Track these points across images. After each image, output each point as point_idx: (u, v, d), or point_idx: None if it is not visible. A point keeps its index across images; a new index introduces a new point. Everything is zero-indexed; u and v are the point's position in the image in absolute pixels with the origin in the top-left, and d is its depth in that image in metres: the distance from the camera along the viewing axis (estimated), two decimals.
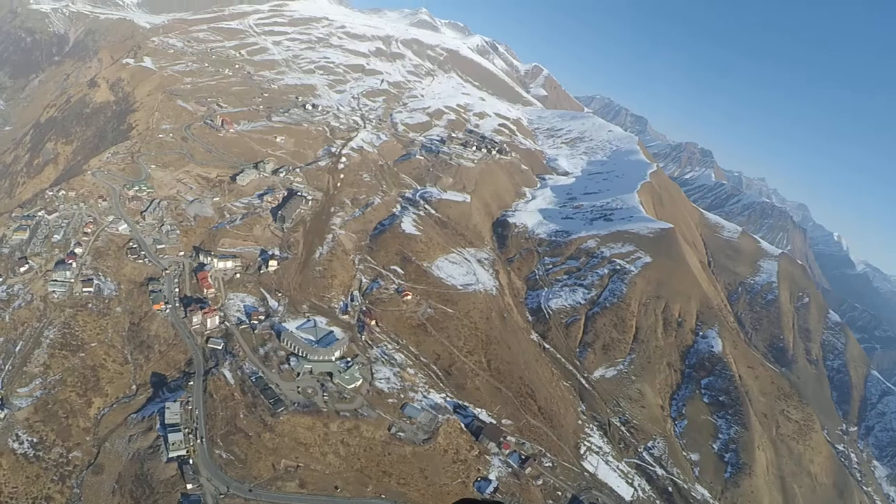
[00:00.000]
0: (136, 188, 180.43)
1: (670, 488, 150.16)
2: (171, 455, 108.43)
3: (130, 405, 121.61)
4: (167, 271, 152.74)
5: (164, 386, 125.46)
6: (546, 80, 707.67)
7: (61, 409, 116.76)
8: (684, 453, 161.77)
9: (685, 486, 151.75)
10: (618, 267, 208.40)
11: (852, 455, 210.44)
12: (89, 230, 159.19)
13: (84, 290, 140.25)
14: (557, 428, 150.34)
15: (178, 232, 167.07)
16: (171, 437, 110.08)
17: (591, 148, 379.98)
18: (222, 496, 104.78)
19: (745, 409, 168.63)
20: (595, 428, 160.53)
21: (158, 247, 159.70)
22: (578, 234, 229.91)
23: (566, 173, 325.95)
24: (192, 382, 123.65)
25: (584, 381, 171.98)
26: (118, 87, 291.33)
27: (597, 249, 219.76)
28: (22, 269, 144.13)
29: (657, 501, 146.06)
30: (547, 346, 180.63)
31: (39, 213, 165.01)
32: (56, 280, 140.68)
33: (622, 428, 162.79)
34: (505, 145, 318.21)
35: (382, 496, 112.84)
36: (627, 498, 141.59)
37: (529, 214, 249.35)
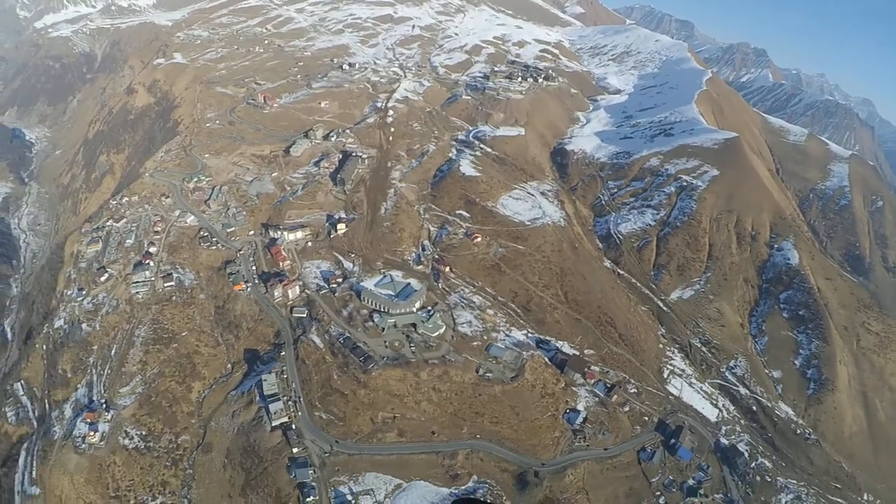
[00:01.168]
0: (196, 180, 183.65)
1: (754, 407, 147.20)
2: (274, 424, 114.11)
3: (229, 383, 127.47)
4: (241, 252, 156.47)
5: (257, 360, 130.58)
6: None
7: (164, 399, 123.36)
8: (766, 371, 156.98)
9: (769, 405, 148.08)
10: (684, 183, 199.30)
11: None
12: (159, 228, 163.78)
13: (165, 285, 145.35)
14: (639, 353, 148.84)
15: (244, 213, 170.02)
16: (272, 407, 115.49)
17: (640, 61, 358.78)
18: (327, 455, 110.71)
19: (825, 323, 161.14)
20: (676, 351, 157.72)
21: (228, 231, 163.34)
22: (640, 154, 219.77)
23: (618, 91, 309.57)
24: (283, 353, 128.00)
25: (661, 304, 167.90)
26: (155, 88, 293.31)
27: (661, 167, 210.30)
28: (102, 279, 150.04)
29: (742, 421, 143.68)
30: (621, 272, 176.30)
31: (108, 223, 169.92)
32: (137, 281, 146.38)
33: (703, 349, 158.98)
34: (550, 71, 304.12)
35: (477, 436, 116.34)
36: (713, 419, 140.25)
37: (587, 139, 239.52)
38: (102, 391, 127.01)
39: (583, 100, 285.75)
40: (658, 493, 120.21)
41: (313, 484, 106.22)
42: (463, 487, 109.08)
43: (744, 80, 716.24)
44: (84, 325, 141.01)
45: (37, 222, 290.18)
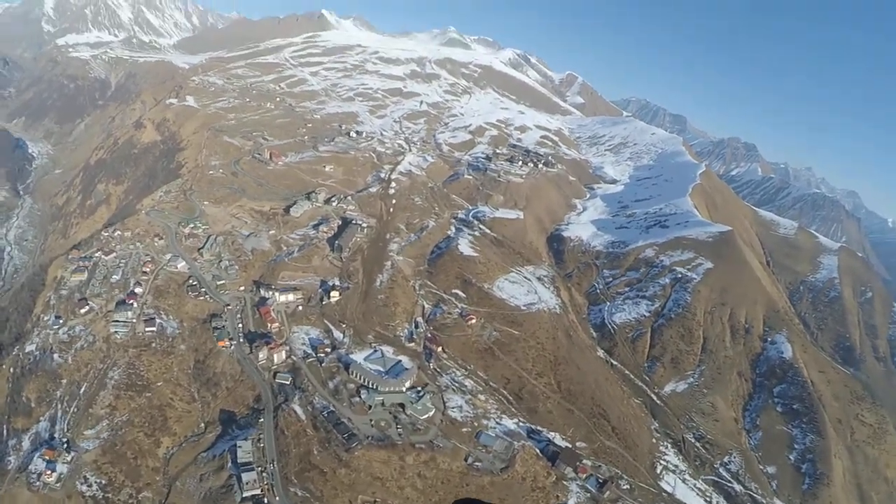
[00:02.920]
0: (192, 225, 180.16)
1: None
2: (245, 495, 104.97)
3: (200, 443, 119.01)
4: (229, 307, 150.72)
5: (233, 423, 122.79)
6: (581, 88, 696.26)
7: (129, 449, 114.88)
8: (761, 466, 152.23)
9: (764, 502, 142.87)
10: (679, 275, 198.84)
11: None
12: (148, 269, 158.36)
13: (147, 329, 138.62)
14: (632, 448, 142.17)
15: (236, 267, 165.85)
16: (245, 477, 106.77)
17: (636, 153, 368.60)
18: None
19: (819, 417, 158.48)
20: (669, 445, 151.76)
21: (218, 283, 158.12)
22: (636, 244, 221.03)
23: (614, 181, 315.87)
24: (262, 419, 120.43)
25: (654, 397, 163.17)
26: (164, 127, 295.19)
27: (656, 258, 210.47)
28: (82, 311, 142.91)
29: None
30: (615, 362, 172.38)
31: (97, 255, 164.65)
32: (118, 320, 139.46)
33: (697, 444, 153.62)
34: (550, 157, 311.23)
35: None
36: None
37: (583, 227, 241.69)
38: (65, 429, 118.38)
39: (580, 187, 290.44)
40: None
41: None
42: None
43: (734, 173, 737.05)
44: (56, 356, 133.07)
45: (24, 237, 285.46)
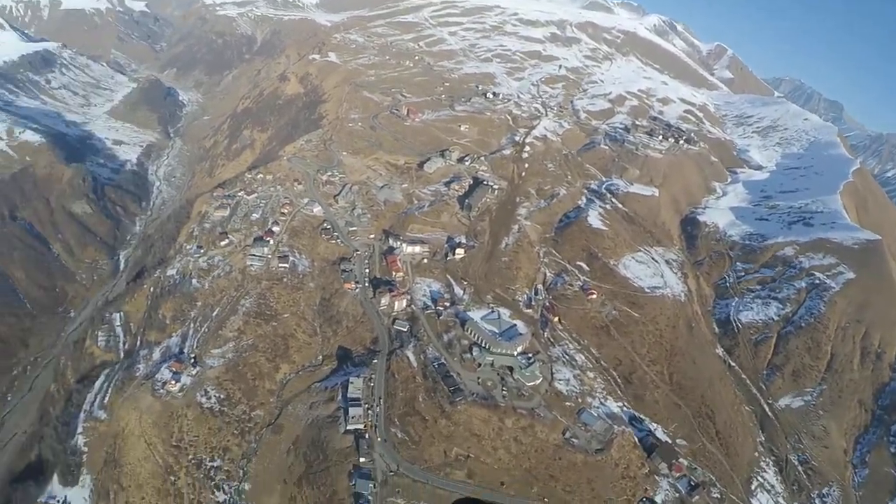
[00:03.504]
0: (329, 173, 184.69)
1: None
2: (348, 427, 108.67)
3: (315, 374, 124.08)
4: (358, 252, 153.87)
5: (348, 360, 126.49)
6: (731, 62, 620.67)
7: (250, 371, 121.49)
8: None
9: None
10: (817, 281, 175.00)
11: None
12: (286, 211, 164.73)
13: (280, 265, 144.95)
14: (732, 457, 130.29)
15: (368, 216, 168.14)
16: (352, 411, 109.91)
17: (786, 139, 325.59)
18: (392, 474, 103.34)
19: None
20: (771, 463, 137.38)
21: (350, 229, 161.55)
22: (775, 240, 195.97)
23: (759, 167, 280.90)
24: (375, 361, 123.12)
25: (767, 409, 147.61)
26: (307, 81, 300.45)
27: (794, 259, 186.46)
28: (223, 243, 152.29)
29: None
30: (732, 363, 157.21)
31: (239, 194, 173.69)
32: (254, 254, 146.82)
33: (799, 468, 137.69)
34: (692, 134, 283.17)
35: (546, 500, 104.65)
36: None
37: (721, 213, 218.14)
38: (194, 346, 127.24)
39: (722, 170, 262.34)
40: None
41: (370, 497, 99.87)
42: None
43: (890, 174, 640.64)
44: (194, 281, 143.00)
45: (173, 174, 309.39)
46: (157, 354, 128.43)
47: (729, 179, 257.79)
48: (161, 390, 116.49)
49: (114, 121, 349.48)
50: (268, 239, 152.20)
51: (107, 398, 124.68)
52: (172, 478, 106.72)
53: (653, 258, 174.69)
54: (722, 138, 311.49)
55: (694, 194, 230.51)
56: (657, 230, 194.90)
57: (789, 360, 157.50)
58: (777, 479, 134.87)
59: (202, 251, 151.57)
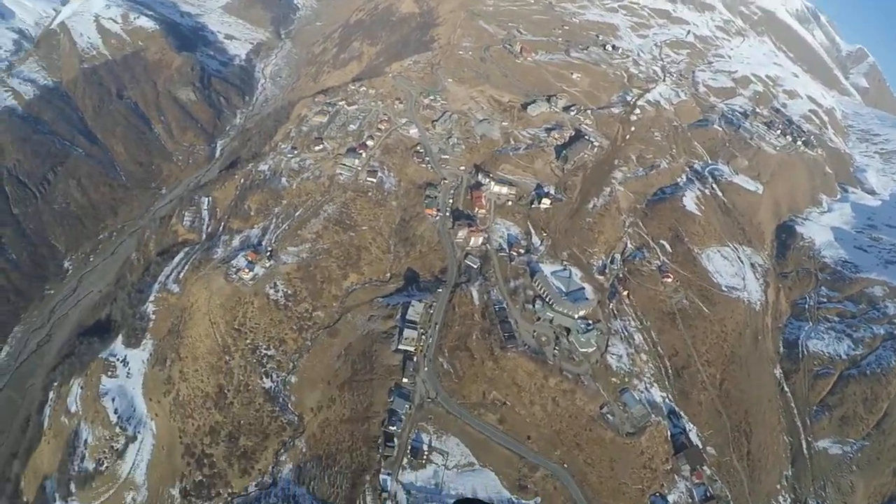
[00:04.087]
0: (431, 97, 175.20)
1: None
2: (400, 347, 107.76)
3: (380, 290, 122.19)
4: (445, 181, 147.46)
5: (414, 283, 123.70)
6: (870, 70, 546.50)
7: (320, 273, 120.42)
8: None
9: None
10: None
11: None
12: (383, 127, 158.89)
13: (368, 178, 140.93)
14: (755, 482, 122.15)
15: (462, 147, 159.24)
16: (407, 332, 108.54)
17: None
18: (429, 400, 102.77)
19: None
20: (788, 501, 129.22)
21: (442, 156, 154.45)
22: (868, 275, 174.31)
23: (873, 192, 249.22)
24: (440, 290, 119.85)
25: (804, 445, 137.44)
26: (423, 1, 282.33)
27: (881, 301, 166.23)
28: (317, 148, 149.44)
29: None
30: (786, 388, 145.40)
31: (340, 103, 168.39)
32: (345, 164, 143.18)
33: None
34: (813, 137, 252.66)
35: (565, 465, 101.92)
36: None
37: (821, 230, 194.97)
38: (273, 241, 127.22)
39: (833, 184, 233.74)
40: None
41: (402, 417, 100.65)
42: (524, 500, 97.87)
43: None
44: (283, 179, 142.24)
45: (278, 74, 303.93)
46: (236, 242, 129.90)
47: (838, 196, 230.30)
48: (234, 276, 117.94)
49: (227, 16, 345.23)
50: (360, 151, 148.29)
51: (182, 274, 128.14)
52: (227, 357, 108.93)
53: (739, 257, 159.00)
54: (842, 150, 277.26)
55: (798, 202, 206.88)
56: (751, 229, 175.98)
57: (843, 403, 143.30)
58: None
59: (296, 152, 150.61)
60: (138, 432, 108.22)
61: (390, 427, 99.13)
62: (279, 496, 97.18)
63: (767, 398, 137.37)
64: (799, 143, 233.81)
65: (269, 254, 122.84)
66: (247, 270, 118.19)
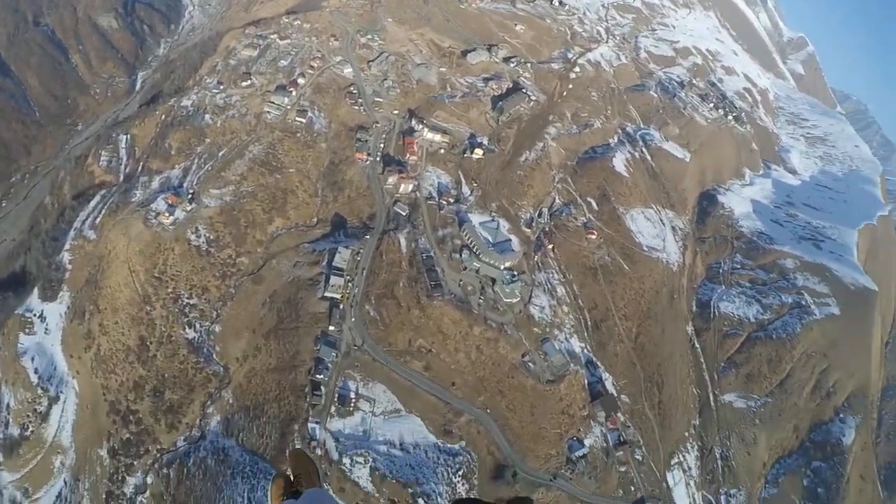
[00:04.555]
0: (369, 37, 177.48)
1: None
2: (326, 294, 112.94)
3: (306, 234, 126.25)
4: (377, 125, 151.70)
5: (341, 229, 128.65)
6: (808, 58, 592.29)
7: (244, 217, 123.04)
8: None
9: None
10: (803, 303, 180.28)
11: None
12: (315, 65, 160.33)
13: (297, 119, 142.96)
14: (665, 429, 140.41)
15: (397, 90, 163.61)
16: (333, 280, 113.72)
17: (830, 156, 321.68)
18: (355, 347, 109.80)
19: None
20: (696, 447, 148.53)
21: (376, 99, 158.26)
22: (781, 248, 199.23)
23: (794, 172, 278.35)
24: (367, 237, 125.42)
25: (711, 398, 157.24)
26: None
27: (791, 273, 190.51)
28: (244, 84, 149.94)
29: None
30: (697, 344, 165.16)
31: (272, 36, 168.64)
32: (273, 102, 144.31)
33: (719, 462, 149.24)
34: (744, 114, 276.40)
35: (488, 410, 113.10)
36: None
37: (741, 201, 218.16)
38: (195, 182, 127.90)
39: (758, 160, 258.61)
40: None
41: (329, 365, 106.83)
42: (450, 444, 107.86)
43: None
44: (207, 116, 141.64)
45: (208, 2, 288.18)
46: (156, 184, 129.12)
47: (761, 171, 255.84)
48: (153, 220, 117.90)
49: None
50: (290, 90, 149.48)
51: (98, 219, 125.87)
52: (148, 308, 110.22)
53: (661, 220, 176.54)
54: (770, 129, 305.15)
55: (722, 172, 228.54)
56: (675, 194, 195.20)
57: (749, 362, 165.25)
58: (696, 464, 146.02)
59: (222, 88, 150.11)
60: (61, 392, 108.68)
61: (317, 375, 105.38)
62: (208, 449, 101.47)
63: (679, 353, 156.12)
64: (730, 117, 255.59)
65: (190, 196, 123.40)
66: (167, 214, 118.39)
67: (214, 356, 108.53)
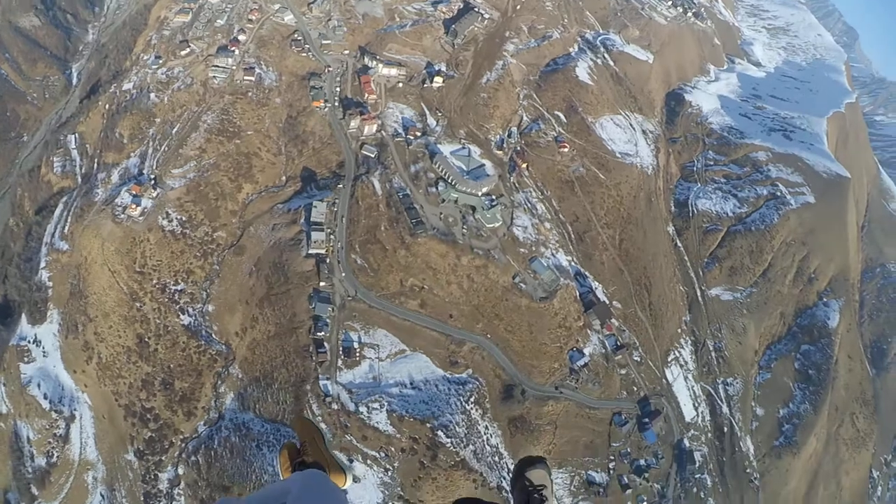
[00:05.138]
0: None
1: (725, 428, 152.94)
2: (310, 251, 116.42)
3: (278, 195, 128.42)
4: (330, 69, 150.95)
5: (312, 183, 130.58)
6: None
7: (212, 191, 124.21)
8: (753, 404, 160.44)
9: (738, 434, 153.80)
10: (778, 193, 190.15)
11: (879, 488, 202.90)
12: (254, 17, 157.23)
13: (245, 77, 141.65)
14: (658, 329, 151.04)
15: (344, 29, 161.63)
16: (314, 235, 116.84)
17: (793, 46, 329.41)
18: (349, 298, 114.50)
19: (823, 393, 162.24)
20: (689, 342, 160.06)
21: (324, 42, 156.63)
22: (752, 141, 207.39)
23: (758, 64, 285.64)
24: (340, 185, 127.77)
25: (699, 293, 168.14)
26: None
27: (764, 165, 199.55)
28: (183, 52, 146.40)
29: (709, 434, 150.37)
30: (679, 244, 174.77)
31: None
32: (217, 66, 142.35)
33: (713, 353, 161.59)
34: (703, 9, 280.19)
35: (488, 336, 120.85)
36: (687, 418, 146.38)
37: (708, 98, 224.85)
38: (154, 167, 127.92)
39: (721, 55, 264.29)
40: (612, 457, 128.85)
41: (328, 321, 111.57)
42: (457, 375, 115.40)
43: (878, 118, 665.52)
44: (153, 95, 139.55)
45: None
46: (115, 177, 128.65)
47: (725, 66, 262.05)
48: (122, 215, 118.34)
49: None
50: (233, 49, 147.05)
51: (67, 228, 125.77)
52: (138, 304, 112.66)
53: (631, 124, 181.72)
54: (731, 23, 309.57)
55: (687, 71, 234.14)
56: (642, 97, 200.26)
57: (731, 255, 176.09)
58: (691, 358, 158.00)
59: (161, 62, 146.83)
60: (75, 410, 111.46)
61: (318, 333, 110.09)
62: (229, 428, 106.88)
63: (663, 254, 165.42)
64: (689, 14, 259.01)
65: (153, 182, 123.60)
66: (134, 206, 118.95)
67: (214, 336, 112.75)
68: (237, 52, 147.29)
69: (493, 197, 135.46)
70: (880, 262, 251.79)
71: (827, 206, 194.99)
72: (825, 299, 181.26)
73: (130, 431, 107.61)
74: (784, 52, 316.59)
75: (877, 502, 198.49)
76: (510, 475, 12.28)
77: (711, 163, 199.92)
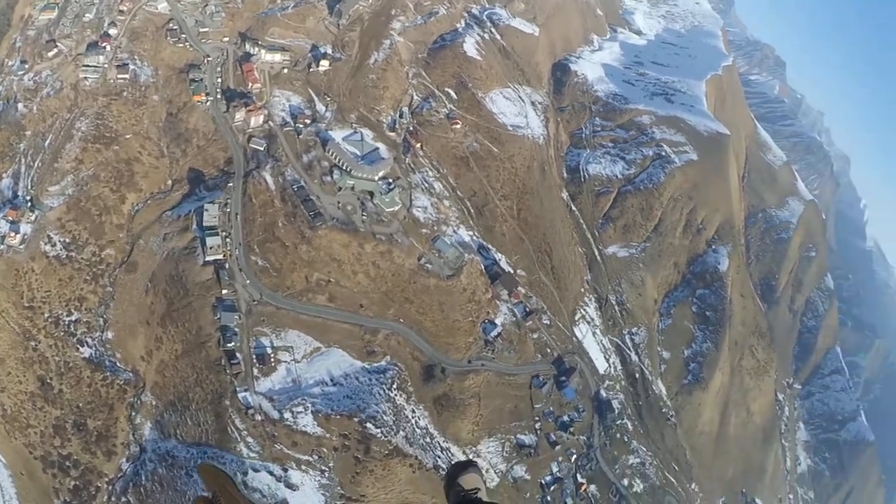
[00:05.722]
0: None
1: (637, 375, 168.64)
2: (207, 258, 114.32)
3: (166, 201, 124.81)
4: (210, 58, 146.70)
5: (201, 183, 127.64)
6: None
7: (94, 206, 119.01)
8: (658, 349, 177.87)
9: (649, 378, 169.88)
10: (663, 153, 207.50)
11: (786, 408, 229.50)
12: (125, 8, 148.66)
13: (119, 76, 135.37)
14: (562, 290, 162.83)
15: (223, 14, 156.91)
16: (209, 241, 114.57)
17: (672, 14, 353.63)
18: (255, 303, 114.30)
19: (722, 331, 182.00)
20: (593, 300, 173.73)
21: (201, 30, 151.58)
22: (635, 106, 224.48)
23: (639, 32, 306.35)
24: (231, 184, 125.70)
25: (597, 253, 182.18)
26: None
27: (649, 128, 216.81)
28: (50, 54, 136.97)
29: (623, 382, 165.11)
30: (574, 208, 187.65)
31: None
32: (88, 65, 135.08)
33: (616, 307, 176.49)
34: None
35: (401, 320, 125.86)
36: (601, 371, 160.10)
37: (592, 67, 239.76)
38: (29, 186, 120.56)
39: (604, 25, 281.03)
40: (537, 418, 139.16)
41: (236, 329, 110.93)
42: (375, 364, 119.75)
43: (752, 78, 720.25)
44: (20, 105, 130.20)
45: None
46: None
47: (608, 36, 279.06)
48: (1, 246, 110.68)
49: None
50: (104, 45, 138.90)
51: None
52: (33, 343, 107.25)
53: (520, 97, 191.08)
54: None
55: (571, 42, 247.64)
56: (529, 70, 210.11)
57: (623, 215, 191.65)
58: (597, 314, 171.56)
59: (27, 66, 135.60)
60: None
61: (228, 344, 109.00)
62: (154, 460, 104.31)
63: (560, 219, 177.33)
64: None
65: (30, 204, 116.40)
66: (13, 234, 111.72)
67: (119, 364, 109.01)
68: (108, 48, 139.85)
69: (391, 180, 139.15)
70: (761, 208, 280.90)
71: (709, 162, 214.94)
72: (714, 246, 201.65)
73: (53, 484, 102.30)
74: (664, 21, 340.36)
75: (786, 421, 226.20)
76: (443, 483, 12.52)
77: (599, 129, 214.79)
